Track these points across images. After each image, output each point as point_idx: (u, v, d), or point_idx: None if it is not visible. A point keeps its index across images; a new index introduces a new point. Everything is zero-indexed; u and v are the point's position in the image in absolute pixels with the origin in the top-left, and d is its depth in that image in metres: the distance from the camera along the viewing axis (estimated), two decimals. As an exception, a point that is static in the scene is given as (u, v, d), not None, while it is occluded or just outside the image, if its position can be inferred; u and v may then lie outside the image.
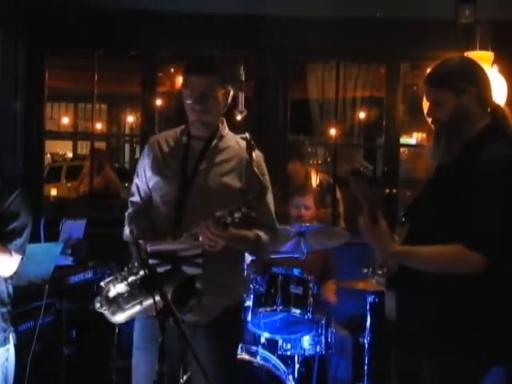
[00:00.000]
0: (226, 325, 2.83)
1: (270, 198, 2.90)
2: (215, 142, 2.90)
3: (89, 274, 4.34)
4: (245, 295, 3.17)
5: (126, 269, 2.69)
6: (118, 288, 2.66)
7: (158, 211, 2.89)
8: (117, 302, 2.65)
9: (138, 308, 2.64)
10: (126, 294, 2.64)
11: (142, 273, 2.58)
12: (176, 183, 2.85)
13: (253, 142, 2.74)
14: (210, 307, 2.75)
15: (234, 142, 2.94)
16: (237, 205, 2.64)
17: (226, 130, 2.96)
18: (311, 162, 11.69)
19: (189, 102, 2.85)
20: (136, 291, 2.61)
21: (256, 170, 2.71)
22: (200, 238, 2.64)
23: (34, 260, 3.47)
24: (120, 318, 2.69)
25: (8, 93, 5.51)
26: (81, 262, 4.40)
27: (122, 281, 2.65)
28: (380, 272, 2.68)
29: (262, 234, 2.87)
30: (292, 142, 6.29)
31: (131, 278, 2.63)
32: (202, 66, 2.86)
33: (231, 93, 2.98)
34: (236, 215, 2.62)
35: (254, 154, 2.74)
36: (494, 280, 2.37)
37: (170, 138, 2.98)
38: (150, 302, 2.59)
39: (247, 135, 2.77)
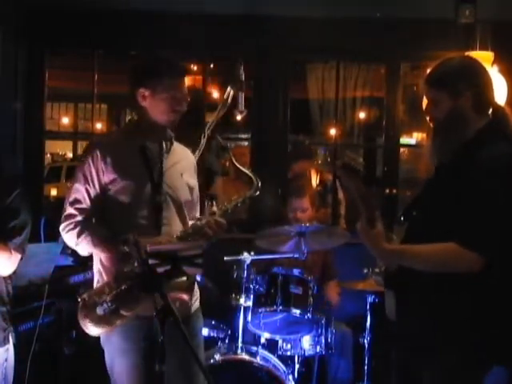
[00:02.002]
0: (198, 319, 3.03)
1: None
2: (168, 143, 2.99)
3: (89, 274, 4.31)
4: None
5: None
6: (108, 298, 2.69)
7: (125, 214, 2.87)
8: (113, 310, 2.67)
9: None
10: (123, 300, 2.67)
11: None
12: (148, 185, 2.89)
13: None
14: (188, 303, 2.90)
15: (176, 143, 3.06)
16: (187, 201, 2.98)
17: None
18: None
19: (178, 102, 2.91)
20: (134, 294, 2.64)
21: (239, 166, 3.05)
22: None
23: (34, 260, 3.47)
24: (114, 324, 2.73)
25: (8, 93, 5.50)
26: (81, 262, 4.38)
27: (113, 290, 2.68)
28: (377, 270, 2.69)
29: None
30: (292, 141, 6.28)
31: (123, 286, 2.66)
32: (185, 68, 2.99)
33: (232, 92, 3.02)
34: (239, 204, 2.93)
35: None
36: (494, 279, 2.37)
37: (117, 142, 2.99)
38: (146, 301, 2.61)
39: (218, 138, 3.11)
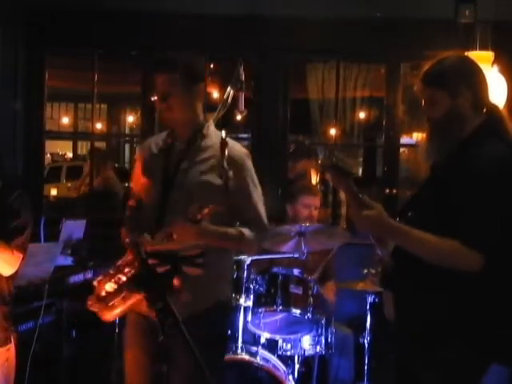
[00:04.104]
0: (202, 323, 2.79)
1: (256, 195, 2.93)
2: (198, 141, 2.93)
3: (89, 274, 4.34)
4: (227, 296, 3.06)
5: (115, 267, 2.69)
6: (107, 286, 2.67)
7: (144, 213, 2.87)
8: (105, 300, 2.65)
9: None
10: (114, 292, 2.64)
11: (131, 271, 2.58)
12: (159, 184, 2.88)
13: (226, 139, 2.77)
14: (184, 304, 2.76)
15: (218, 140, 2.86)
16: (206, 201, 2.71)
17: (210, 129, 2.97)
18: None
19: (155, 101, 2.92)
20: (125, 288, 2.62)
21: (226, 166, 2.72)
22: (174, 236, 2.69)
23: (33, 260, 3.47)
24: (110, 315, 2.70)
25: (8, 93, 5.51)
26: (81, 262, 4.40)
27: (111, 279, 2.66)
28: (374, 271, 2.67)
29: (245, 230, 2.86)
30: (292, 141, 6.30)
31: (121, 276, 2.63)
32: (161, 65, 2.91)
33: (232, 92, 3.01)
34: (205, 211, 2.66)
35: (226, 152, 2.75)
36: (493, 278, 2.37)
37: (159, 140, 3.03)
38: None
39: (223, 133, 2.81)
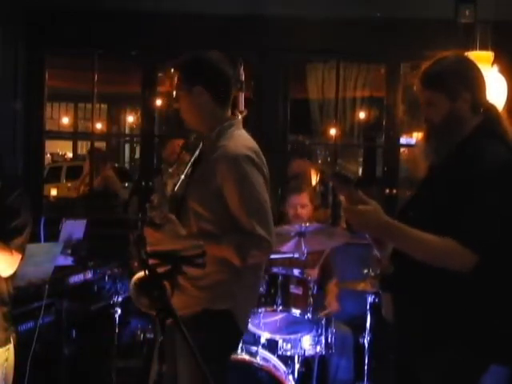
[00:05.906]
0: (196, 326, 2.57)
1: (244, 197, 2.71)
2: (206, 143, 2.89)
3: (89, 274, 4.34)
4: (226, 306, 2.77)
5: None
6: None
7: None
8: None
9: None
10: None
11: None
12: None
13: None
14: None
15: (226, 143, 2.80)
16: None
17: (222, 131, 2.84)
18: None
19: None
20: None
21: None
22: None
23: (33, 260, 3.47)
24: None
25: (8, 93, 5.51)
26: (81, 262, 4.40)
27: None
28: (373, 274, 2.66)
29: (232, 239, 2.71)
30: (292, 141, 6.31)
31: None
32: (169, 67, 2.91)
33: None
34: (163, 215, 2.68)
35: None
36: (493, 278, 2.37)
37: None
38: None
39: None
